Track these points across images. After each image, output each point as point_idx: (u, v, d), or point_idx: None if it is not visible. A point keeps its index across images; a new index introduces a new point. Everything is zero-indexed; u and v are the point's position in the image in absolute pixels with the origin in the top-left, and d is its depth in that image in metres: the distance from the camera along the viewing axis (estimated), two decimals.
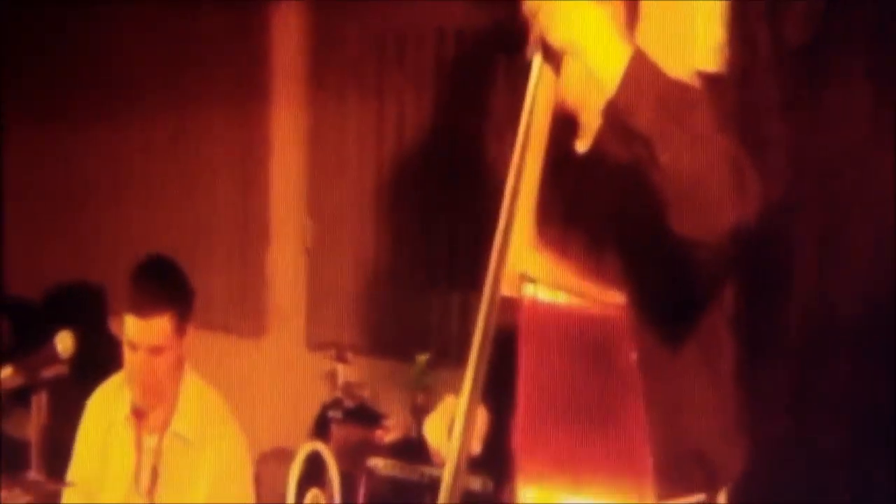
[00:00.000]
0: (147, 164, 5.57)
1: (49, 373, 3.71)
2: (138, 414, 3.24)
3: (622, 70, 1.70)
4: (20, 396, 4.15)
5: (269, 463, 4.93)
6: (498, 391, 1.85)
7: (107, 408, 3.33)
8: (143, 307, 3.09)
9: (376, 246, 4.82)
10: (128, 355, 3.16)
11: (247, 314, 5.26)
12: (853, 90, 3.34)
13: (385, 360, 4.78)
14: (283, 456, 4.87)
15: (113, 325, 5.10)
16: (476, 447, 1.95)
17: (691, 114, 1.74)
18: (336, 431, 4.34)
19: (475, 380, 1.81)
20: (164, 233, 5.27)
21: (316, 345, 5.00)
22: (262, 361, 5.22)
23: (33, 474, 3.65)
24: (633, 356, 1.73)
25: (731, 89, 2.00)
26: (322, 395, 4.67)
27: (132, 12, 5.42)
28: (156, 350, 3.10)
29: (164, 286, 3.18)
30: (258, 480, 4.94)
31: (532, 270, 1.82)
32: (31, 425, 3.86)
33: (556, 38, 1.76)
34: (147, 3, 5.37)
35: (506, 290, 1.81)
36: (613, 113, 1.73)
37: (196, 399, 3.23)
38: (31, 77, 5.92)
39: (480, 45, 4.35)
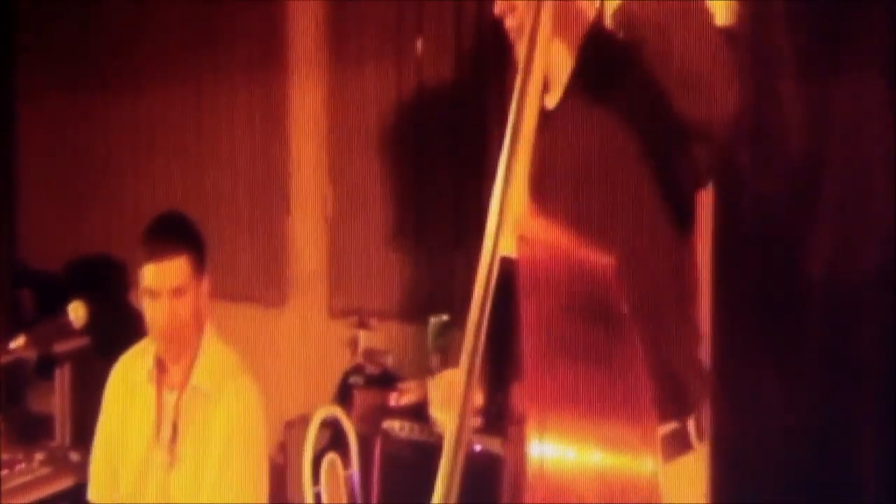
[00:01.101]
0: (167, 136, 5.60)
1: (70, 345, 3.76)
2: (161, 368, 3.30)
3: None
4: (45, 371, 4.20)
5: (294, 431, 4.97)
6: (499, 348, 1.96)
7: (129, 373, 3.40)
8: (160, 252, 3.17)
9: (397, 213, 4.83)
10: (149, 306, 3.21)
11: (269, 284, 5.28)
12: (871, 42, 3.31)
13: (407, 325, 4.79)
14: (307, 424, 4.91)
15: (134, 298, 5.14)
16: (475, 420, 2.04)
17: (691, 10, 1.92)
18: (358, 398, 4.36)
19: (475, 340, 1.91)
20: (185, 204, 5.27)
21: (338, 312, 5.02)
22: (285, 331, 5.25)
23: (56, 444, 3.71)
24: (626, 308, 1.82)
25: (744, 43, 2.05)
26: (345, 362, 4.70)
27: None
28: (177, 292, 3.16)
29: (177, 231, 3.27)
30: (283, 448, 5.00)
31: (528, 233, 1.92)
32: (55, 397, 3.91)
33: None
34: None
35: (505, 250, 1.91)
36: (629, 14, 1.89)
37: (214, 356, 3.28)
38: (50, 50, 5.96)
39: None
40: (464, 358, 1.93)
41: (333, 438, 3.91)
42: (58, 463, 3.58)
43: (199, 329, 3.27)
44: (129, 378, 3.38)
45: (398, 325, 4.84)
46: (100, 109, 5.83)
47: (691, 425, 2.12)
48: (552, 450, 1.67)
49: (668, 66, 1.87)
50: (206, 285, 3.26)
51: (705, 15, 1.94)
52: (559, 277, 1.85)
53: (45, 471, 3.51)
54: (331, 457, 3.37)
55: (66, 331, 3.33)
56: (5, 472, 3.42)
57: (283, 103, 5.17)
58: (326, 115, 5.05)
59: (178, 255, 3.16)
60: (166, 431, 3.24)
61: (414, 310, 4.75)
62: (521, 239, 1.90)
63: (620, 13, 1.89)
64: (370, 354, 4.61)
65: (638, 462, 1.67)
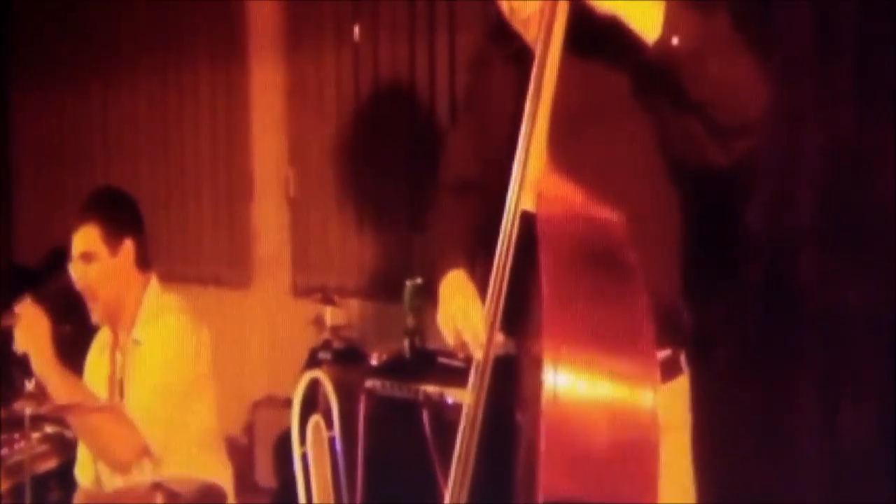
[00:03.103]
0: (135, 129, 5.73)
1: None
2: (114, 335, 3.43)
3: (661, 17, 2.01)
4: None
5: (262, 410, 5.07)
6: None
7: (96, 350, 3.53)
8: (74, 221, 3.34)
9: (357, 192, 4.94)
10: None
11: (234, 266, 5.40)
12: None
13: (370, 301, 4.93)
14: (275, 403, 5.01)
15: None
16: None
17: (722, 28, 2.08)
18: (327, 372, 4.46)
19: (500, 285, 2.12)
20: (151, 191, 5.42)
21: (302, 291, 5.14)
22: (251, 312, 5.38)
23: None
24: (634, 257, 2.00)
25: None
26: (311, 341, 4.78)
27: None
28: (85, 257, 3.31)
29: (89, 203, 3.41)
30: (252, 427, 5.10)
31: (547, 190, 2.09)
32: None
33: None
34: None
35: (525, 205, 2.10)
36: (664, 49, 2.02)
37: (152, 308, 3.38)
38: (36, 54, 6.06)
39: None
40: (488, 302, 2.13)
41: (310, 404, 4.03)
42: (54, 441, 3.68)
43: (129, 293, 3.37)
44: (95, 354, 3.52)
45: (360, 301, 4.97)
46: (68, 104, 5.95)
47: (682, 355, 2.32)
48: (565, 379, 1.86)
49: (702, 84, 2.03)
50: (127, 251, 3.34)
51: (732, 29, 2.09)
52: (573, 230, 2.03)
53: (43, 448, 3.63)
54: (315, 418, 3.50)
55: (70, 290, 3.41)
56: (4, 450, 3.53)
57: (244, 91, 5.29)
58: (285, 100, 5.17)
59: (85, 224, 3.31)
60: (116, 392, 3.36)
61: (373, 287, 4.90)
62: (540, 195, 2.07)
63: (660, 43, 2.02)
64: (335, 330, 4.73)
65: (640, 393, 1.86)
